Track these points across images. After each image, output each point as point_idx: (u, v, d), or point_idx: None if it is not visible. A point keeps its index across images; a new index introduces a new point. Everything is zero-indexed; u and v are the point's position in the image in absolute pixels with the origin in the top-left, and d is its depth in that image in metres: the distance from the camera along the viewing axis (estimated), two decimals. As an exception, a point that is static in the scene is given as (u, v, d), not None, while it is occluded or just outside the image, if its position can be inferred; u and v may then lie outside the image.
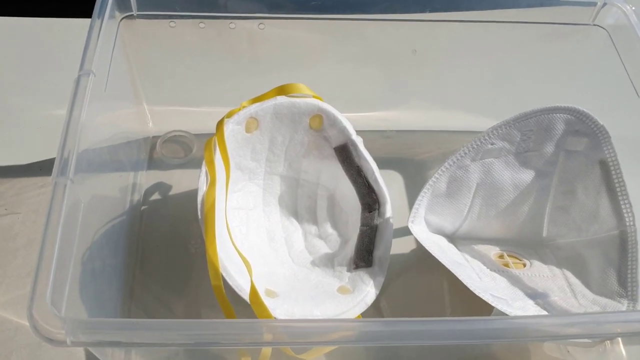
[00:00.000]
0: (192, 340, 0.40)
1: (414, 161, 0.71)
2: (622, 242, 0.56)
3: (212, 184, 0.52)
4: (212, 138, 0.55)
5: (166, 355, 0.54)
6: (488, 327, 0.41)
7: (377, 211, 0.58)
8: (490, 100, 0.70)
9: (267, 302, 0.50)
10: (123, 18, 0.58)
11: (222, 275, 0.49)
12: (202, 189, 0.53)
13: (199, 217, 0.52)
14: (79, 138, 0.46)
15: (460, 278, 0.51)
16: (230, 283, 0.50)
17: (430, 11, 0.62)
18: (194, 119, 0.69)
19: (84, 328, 0.38)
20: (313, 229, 0.63)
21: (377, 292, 0.54)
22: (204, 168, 0.54)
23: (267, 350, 0.49)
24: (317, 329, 0.41)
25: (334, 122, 0.59)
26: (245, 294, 0.49)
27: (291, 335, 0.41)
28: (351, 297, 0.53)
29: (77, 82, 0.49)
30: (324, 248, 0.61)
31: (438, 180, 0.56)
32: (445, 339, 0.40)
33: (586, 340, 0.49)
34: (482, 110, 0.68)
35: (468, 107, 0.70)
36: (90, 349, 0.50)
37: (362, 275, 0.55)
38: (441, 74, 0.69)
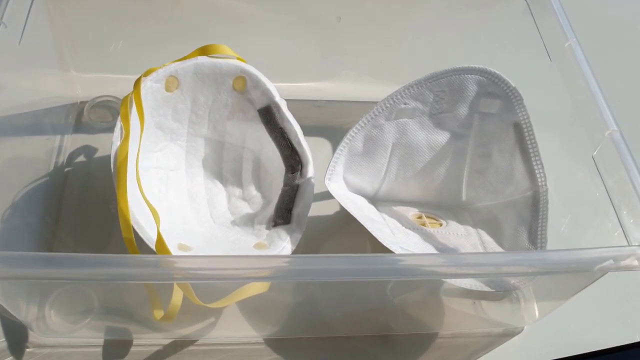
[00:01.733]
0: (104, 275, 0.41)
1: (343, 130, 0.69)
2: (535, 201, 0.58)
3: (125, 139, 0.53)
4: (129, 95, 0.55)
5: (82, 309, 0.54)
6: (385, 263, 0.42)
7: (299, 172, 0.59)
8: (417, 70, 0.70)
9: (178, 254, 0.51)
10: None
11: (133, 228, 0.50)
12: (116, 143, 0.53)
13: (112, 170, 0.52)
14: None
15: (371, 232, 0.52)
16: (140, 234, 0.50)
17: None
18: (123, 85, 0.67)
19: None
20: (237, 191, 0.63)
21: (294, 247, 0.54)
22: (119, 124, 0.54)
23: (177, 299, 0.50)
24: (219, 265, 0.42)
25: (257, 84, 0.60)
26: (154, 245, 0.49)
27: (193, 272, 0.42)
28: (267, 252, 0.54)
29: (-14, 31, 0.49)
30: (246, 209, 0.61)
31: (354, 139, 0.57)
32: (339, 275, 0.41)
33: (489, 289, 0.50)
34: (408, 80, 0.69)
35: (396, 78, 0.70)
36: (1, 302, 0.50)
37: (280, 231, 0.55)
38: (368, 44, 0.70)
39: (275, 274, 0.43)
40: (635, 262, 0.44)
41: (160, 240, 0.48)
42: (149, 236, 0.50)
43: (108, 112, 0.70)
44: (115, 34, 0.67)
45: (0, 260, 0.39)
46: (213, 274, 0.42)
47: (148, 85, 0.56)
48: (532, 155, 0.58)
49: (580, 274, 0.49)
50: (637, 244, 0.46)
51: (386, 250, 0.51)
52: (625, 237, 0.48)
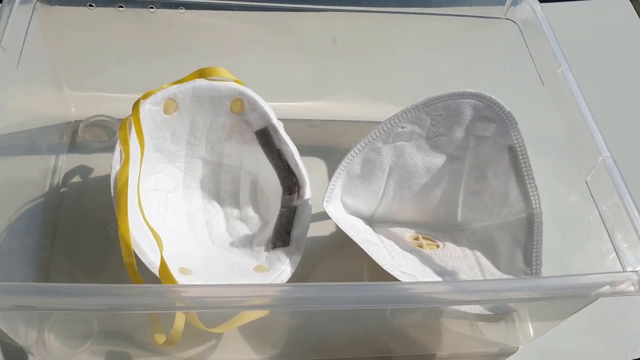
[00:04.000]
0: (104, 306, 0.41)
1: (337, 150, 0.72)
2: (529, 223, 0.59)
3: (125, 163, 0.53)
4: (128, 118, 0.55)
5: (81, 334, 0.54)
6: (388, 292, 0.43)
7: (296, 193, 0.59)
8: (411, 91, 0.71)
9: (180, 278, 0.51)
10: (38, 0, 0.58)
11: (134, 253, 0.50)
12: (116, 167, 0.53)
13: (112, 194, 0.52)
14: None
15: (370, 255, 0.53)
16: (142, 259, 0.50)
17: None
18: (117, 104, 0.68)
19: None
20: (235, 212, 0.63)
21: (293, 270, 0.55)
22: (118, 147, 0.54)
23: (179, 324, 0.50)
24: (225, 293, 0.42)
25: (255, 106, 0.60)
26: (156, 270, 0.49)
27: (199, 300, 0.42)
28: (267, 275, 0.54)
29: (-14, 55, 0.49)
30: (244, 230, 0.62)
31: (352, 162, 0.57)
32: (342, 303, 0.42)
33: (488, 312, 0.51)
34: (404, 100, 0.69)
35: (390, 98, 0.71)
36: (1, 327, 0.49)
37: (279, 254, 0.56)
38: (364, 65, 0.71)
39: (279, 302, 0.43)
40: (631, 288, 0.45)
41: (164, 265, 0.48)
42: (151, 261, 0.50)
43: (103, 132, 0.69)
44: (109, 53, 0.67)
45: (2, 291, 0.39)
46: (218, 303, 0.42)
47: (147, 108, 0.56)
48: (526, 177, 0.59)
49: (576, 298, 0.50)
50: (631, 269, 0.47)
51: (384, 272, 0.52)
52: (620, 261, 0.49)
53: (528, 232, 0.58)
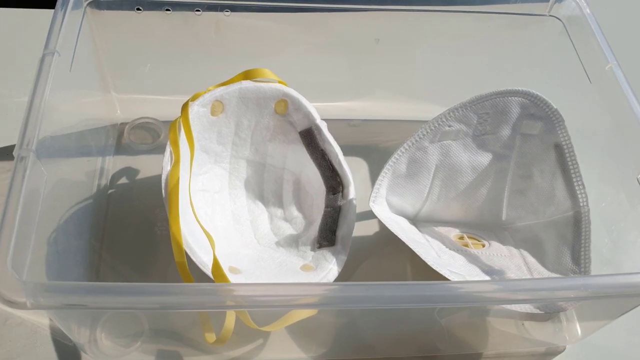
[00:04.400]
0: (156, 305, 0.41)
1: (378, 149, 0.72)
2: (577, 222, 0.58)
3: (176, 164, 0.53)
4: (177, 120, 0.56)
5: (132, 333, 0.55)
6: (439, 291, 0.43)
7: (340, 193, 0.59)
8: (452, 90, 0.71)
9: (231, 278, 0.51)
10: (88, 4, 0.59)
11: (185, 252, 0.50)
12: (166, 168, 0.54)
13: (163, 195, 0.52)
14: (43, 113, 0.47)
15: (418, 254, 0.53)
16: (194, 259, 0.50)
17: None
18: (162, 107, 0.69)
19: (43, 291, 0.39)
20: (279, 212, 0.64)
21: (340, 270, 0.55)
22: (168, 148, 0.54)
23: (230, 323, 0.50)
24: (278, 292, 0.42)
25: (299, 107, 0.61)
26: (208, 270, 0.50)
27: (251, 299, 0.42)
28: (314, 274, 0.54)
29: (42, 60, 0.50)
30: (289, 230, 0.62)
31: (398, 161, 0.57)
32: (393, 302, 0.42)
33: (538, 311, 0.51)
34: (444, 99, 0.69)
35: (430, 97, 0.72)
36: (56, 322, 0.50)
37: (325, 253, 0.56)
38: (404, 64, 0.71)
39: (329, 301, 0.43)
40: (686, 287, 0.44)
41: (216, 265, 0.49)
42: (202, 261, 0.50)
43: (148, 134, 0.70)
44: (155, 56, 0.68)
45: (56, 290, 0.40)
46: (270, 302, 0.43)
47: (195, 110, 0.57)
48: (573, 175, 0.58)
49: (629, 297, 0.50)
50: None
51: (427, 270, 0.52)
52: (673, 260, 0.48)
53: (576, 231, 0.58)
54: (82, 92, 0.62)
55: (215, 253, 0.50)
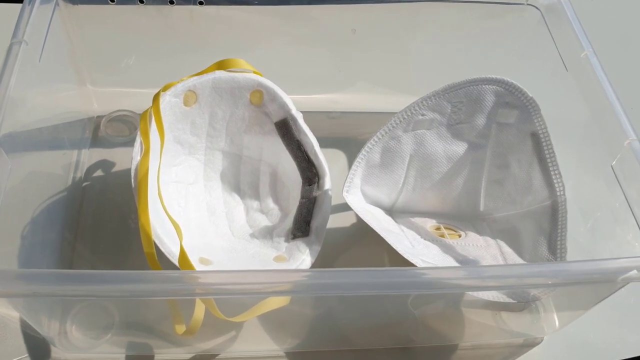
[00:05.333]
0: (120, 292, 0.41)
1: (357, 141, 0.71)
2: (553, 211, 0.58)
3: (145, 154, 0.53)
4: (148, 110, 0.56)
5: (103, 324, 0.54)
6: (407, 277, 0.42)
7: (316, 184, 0.59)
8: (432, 81, 0.70)
9: (200, 268, 0.51)
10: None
11: (154, 243, 0.50)
12: (136, 158, 0.53)
13: (132, 185, 0.52)
14: (8, 102, 0.47)
15: (391, 243, 0.52)
16: (162, 249, 0.50)
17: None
18: (139, 99, 0.68)
19: (11, 278, 0.38)
20: (255, 204, 0.63)
21: (313, 260, 0.54)
22: (138, 139, 0.54)
23: (199, 314, 0.50)
24: (246, 279, 0.42)
25: (274, 98, 0.60)
26: (176, 260, 0.49)
27: (218, 287, 0.42)
28: (286, 265, 0.54)
29: (9, 49, 0.50)
30: (264, 222, 0.62)
31: (371, 151, 0.57)
32: (360, 289, 0.41)
33: (511, 300, 0.50)
34: (425, 91, 0.68)
35: (411, 89, 0.70)
36: (24, 316, 0.50)
37: (299, 244, 0.56)
38: (384, 56, 0.70)
39: (298, 288, 0.43)
40: (660, 273, 0.44)
41: (183, 255, 0.48)
42: (171, 251, 0.50)
43: (125, 126, 0.70)
44: (131, 49, 0.67)
45: (24, 278, 0.40)
46: (237, 289, 0.42)
47: (167, 100, 0.57)
48: (550, 164, 0.58)
49: (602, 284, 0.49)
50: (660, 254, 0.46)
51: (404, 262, 0.51)
52: (648, 246, 0.47)
53: (552, 220, 0.57)
54: (55, 85, 0.62)
55: (183, 243, 0.49)
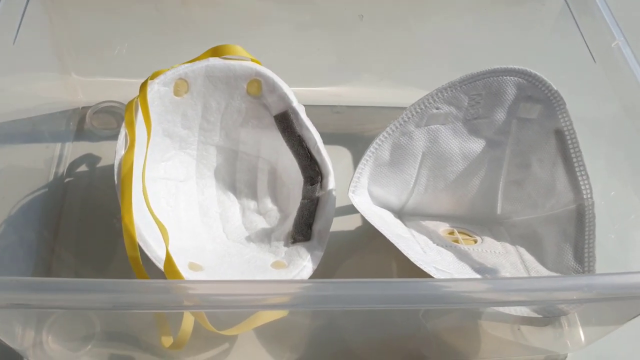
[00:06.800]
0: (101, 303, 0.37)
1: (364, 137, 0.67)
2: (579, 216, 0.53)
3: (130, 147, 0.48)
4: (135, 99, 0.51)
5: (82, 336, 0.50)
6: (422, 290, 0.37)
7: (319, 184, 0.54)
8: (445, 74, 0.66)
9: (188, 275, 0.46)
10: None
11: (139, 246, 0.45)
12: (120, 152, 0.49)
13: (115, 182, 0.47)
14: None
15: (401, 249, 0.48)
16: (147, 253, 0.45)
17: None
18: (127, 90, 0.63)
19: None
20: (252, 204, 0.59)
21: (315, 267, 0.50)
22: (123, 131, 0.49)
23: (187, 325, 0.45)
24: (240, 290, 0.38)
25: (274, 88, 0.55)
26: (162, 265, 0.45)
27: (209, 298, 0.37)
28: (286, 272, 0.49)
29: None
30: (262, 223, 0.57)
31: (380, 147, 0.52)
32: (368, 302, 0.37)
33: (535, 314, 0.45)
34: (437, 84, 0.65)
35: (422, 82, 0.65)
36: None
37: (300, 249, 0.51)
38: (390, 47, 0.66)
39: (297, 301, 0.38)
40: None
41: (169, 260, 0.43)
42: (157, 255, 0.45)
43: (112, 118, 0.65)
44: (119, 35, 0.63)
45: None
46: (230, 301, 0.38)
47: (155, 89, 0.52)
48: (575, 164, 0.53)
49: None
50: None
51: (414, 269, 0.47)
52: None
53: (578, 226, 0.52)
54: (35, 73, 0.58)
55: (169, 246, 0.44)
